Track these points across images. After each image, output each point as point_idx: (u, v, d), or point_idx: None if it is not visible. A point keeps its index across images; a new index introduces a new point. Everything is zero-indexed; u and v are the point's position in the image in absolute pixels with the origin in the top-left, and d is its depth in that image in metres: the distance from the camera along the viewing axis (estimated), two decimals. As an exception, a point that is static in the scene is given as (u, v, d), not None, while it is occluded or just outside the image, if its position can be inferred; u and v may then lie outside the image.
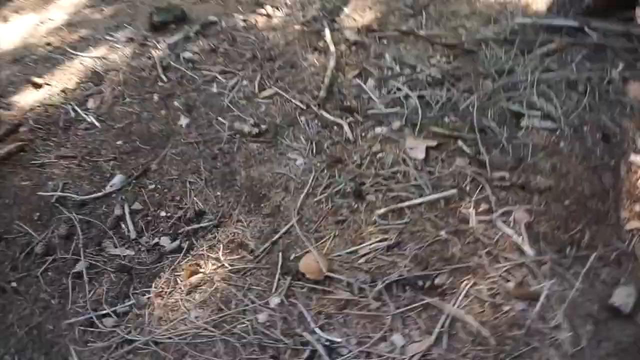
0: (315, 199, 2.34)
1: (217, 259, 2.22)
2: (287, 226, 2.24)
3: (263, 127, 2.76)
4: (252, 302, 1.97)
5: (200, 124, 2.89)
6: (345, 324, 1.84)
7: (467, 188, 2.21)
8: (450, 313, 1.76)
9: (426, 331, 1.76)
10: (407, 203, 2.20)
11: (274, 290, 1.99)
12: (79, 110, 3.07)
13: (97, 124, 2.99)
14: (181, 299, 2.06)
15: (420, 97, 2.73)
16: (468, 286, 1.83)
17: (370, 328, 1.81)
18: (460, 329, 1.73)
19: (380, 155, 2.48)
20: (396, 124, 2.63)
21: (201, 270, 2.18)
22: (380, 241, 2.09)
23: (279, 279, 2.03)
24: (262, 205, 2.40)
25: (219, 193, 2.53)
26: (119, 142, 2.87)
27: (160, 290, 2.11)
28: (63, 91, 3.22)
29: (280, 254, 2.12)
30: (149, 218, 2.50)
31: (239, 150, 2.71)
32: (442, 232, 2.05)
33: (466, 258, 1.94)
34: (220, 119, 2.89)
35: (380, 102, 2.81)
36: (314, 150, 2.60)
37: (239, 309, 1.95)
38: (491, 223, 2.05)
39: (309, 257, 2.00)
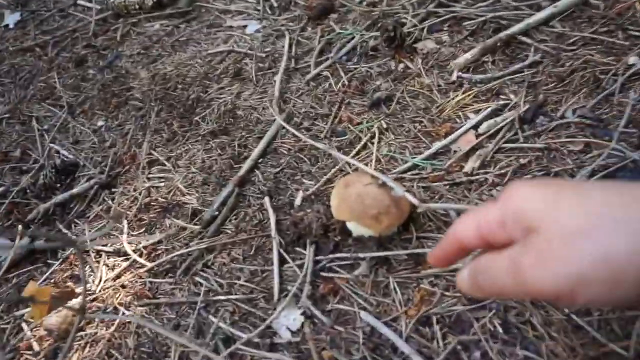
0: (308, 76, 1.08)
1: (119, 254, 0.93)
2: (267, 137, 0.97)
3: (165, -7, 1.44)
4: (224, 346, 0.70)
5: (43, 17, 1.51)
6: None
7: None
8: None
9: None
10: (517, 26, 0.98)
11: (276, 295, 0.73)
12: None
13: None
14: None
15: None
16: None
17: None
18: None
19: (406, -22, 1.24)
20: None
21: (81, 289, 0.87)
22: (494, 114, 0.88)
23: (282, 261, 0.77)
24: (195, 118, 1.11)
25: (101, 123, 1.21)
26: None
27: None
28: None
29: (268, 200, 0.86)
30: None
31: (127, 38, 1.38)
32: (633, 57, 0.86)
33: None
34: (81, 1, 1.52)
35: None
36: (275, 7, 1.33)
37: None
38: None
39: (351, 184, 0.73)
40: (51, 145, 1.20)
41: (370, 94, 0.99)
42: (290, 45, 1.16)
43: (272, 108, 1.02)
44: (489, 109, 0.88)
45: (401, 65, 1.03)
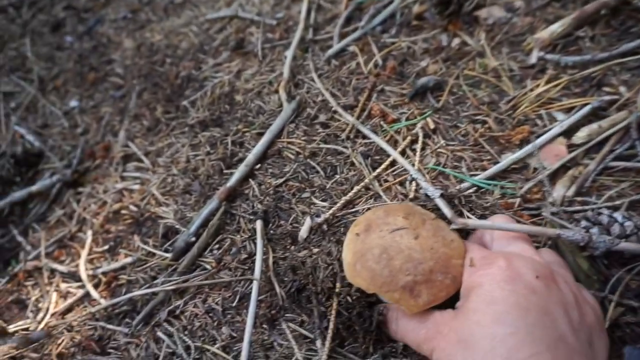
0: (330, 52, 0.81)
1: (75, 277, 0.72)
2: (270, 134, 0.71)
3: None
4: None
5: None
6: None
7: None
8: None
9: None
10: (628, -11, 0.69)
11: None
12: None
13: None
14: None
15: None
16: None
17: None
18: None
19: None
20: None
21: (20, 324, 0.67)
22: (595, 115, 0.60)
23: (272, 323, 0.53)
24: (183, 103, 0.87)
25: (74, 102, 0.99)
26: None
27: None
28: None
29: (260, 226, 0.61)
30: None
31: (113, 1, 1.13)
32: None
33: None
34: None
35: None
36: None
37: None
38: None
39: (374, 228, 0.48)
40: (16, 128, 0.99)
41: (412, 79, 0.72)
42: (308, 11, 0.89)
43: (280, 93, 0.76)
44: (588, 108, 0.60)
45: (456, 40, 0.75)
